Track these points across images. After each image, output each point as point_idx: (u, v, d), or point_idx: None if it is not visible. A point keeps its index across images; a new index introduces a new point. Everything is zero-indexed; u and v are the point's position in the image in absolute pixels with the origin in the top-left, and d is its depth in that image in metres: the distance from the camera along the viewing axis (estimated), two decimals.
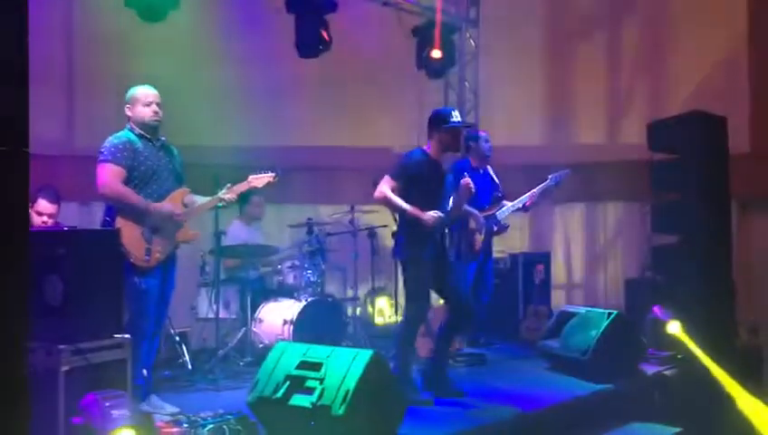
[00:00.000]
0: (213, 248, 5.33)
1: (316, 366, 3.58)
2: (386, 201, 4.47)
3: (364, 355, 3.53)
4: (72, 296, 3.22)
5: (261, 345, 5.52)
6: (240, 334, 5.53)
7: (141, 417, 2.88)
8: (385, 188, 4.43)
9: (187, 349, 5.37)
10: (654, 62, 7.20)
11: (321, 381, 3.50)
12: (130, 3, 5.18)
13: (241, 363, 5.44)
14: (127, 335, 3.38)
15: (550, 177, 5.89)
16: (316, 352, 3.71)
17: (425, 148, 4.58)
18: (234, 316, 5.72)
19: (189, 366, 5.25)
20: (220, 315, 5.34)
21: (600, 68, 7.48)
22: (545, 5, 7.78)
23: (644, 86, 7.16)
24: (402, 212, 4.42)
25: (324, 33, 6.51)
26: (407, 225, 4.45)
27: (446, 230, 4.63)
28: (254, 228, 6.31)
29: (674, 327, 5.48)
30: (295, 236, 6.29)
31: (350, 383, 3.41)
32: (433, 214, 4.34)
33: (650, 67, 7.20)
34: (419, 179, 4.43)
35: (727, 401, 5.13)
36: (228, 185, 4.56)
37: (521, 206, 5.95)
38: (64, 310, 3.22)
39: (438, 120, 4.53)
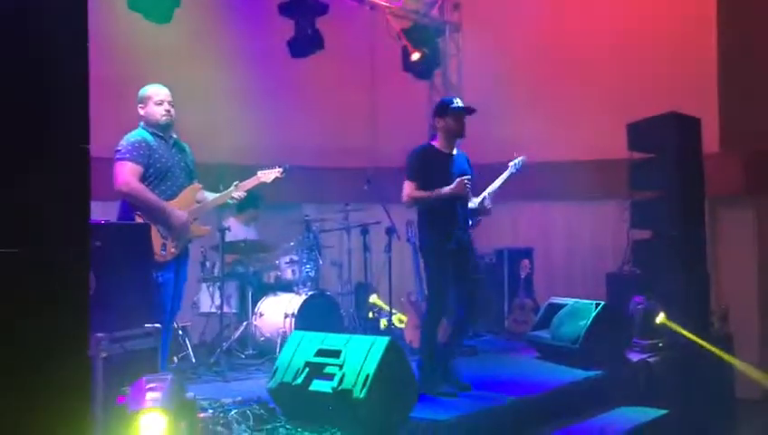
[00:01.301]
0: (217, 244, 5.46)
1: (335, 353, 3.77)
2: (414, 201, 4.59)
3: (382, 342, 3.73)
4: (104, 287, 3.34)
5: (262, 338, 5.67)
6: (242, 328, 5.67)
7: (184, 402, 3.02)
8: (408, 190, 4.55)
9: (189, 343, 5.49)
10: (631, 65, 7.51)
11: (341, 367, 3.69)
12: (134, 6, 5.27)
13: (243, 356, 5.60)
14: (157, 325, 3.52)
15: (511, 164, 5.32)
16: (333, 340, 3.91)
17: (431, 141, 4.72)
18: (234, 311, 5.86)
19: (193, 359, 5.37)
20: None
21: (580, 70, 7.77)
22: (526, 8, 8.07)
23: (623, 87, 7.46)
24: (431, 200, 4.53)
25: (316, 35, 6.70)
26: (427, 219, 4.61)
27: (470, 223, 4.75)
28: (250, 227, 6.46)
29: (661, 316, 5.83)
30: (291, 234, 6.45)
31: (370, 368, 3.60)
32: (456, 182, 4.46)
33: (628, 69, 7.51)
34: (429, 171, 4.56)
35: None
36: (236, 182, 4.71)
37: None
38: (97, 300, 3.34)
39: (442, 108, 4.67)
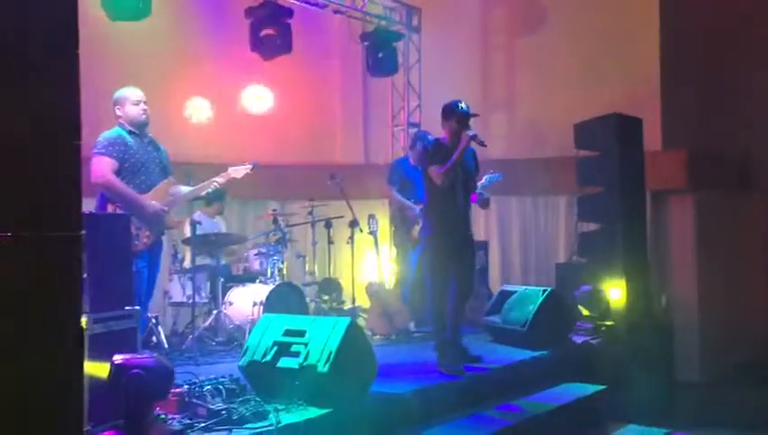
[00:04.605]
0: (188, 237, 5.75)
1: (301, 333, 4.11)
2: (442, 176, 4.93)
3: (343, 322, 4.09)
4: (88, 272, 3.63)
5: (231, 326, 5.96)
6: (212, 317, 5.96)
7: (159, 362, 3.35)
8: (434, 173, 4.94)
9: (162, 331, 5.77)
10: (578, 68, 7.98)
11: (306, 345, 4.03)
12: (112, 8, 5.51)
13: (213, 343, 5.88)
14: (137, 307, 3.82)
15: (485, 177, 5.82)
16: (299, 321, 4.25)
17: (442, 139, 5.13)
18: (204, 301, 6.15)
19: (165, 346, 5.65)
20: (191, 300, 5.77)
21: (532, 73, 8.24)
22: (482, 16, 8.51)
23: (570, 90, 7.92)
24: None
25: (283, 37, 7.01)
26: (435, 207, 5.04)
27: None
28: (216, 220, 6.76)
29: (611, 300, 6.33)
30: (258, 228, 6.77)
31: (333, 345, 3.95)
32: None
33: (575, 72, 7.98)
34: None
35: None
36: (214, 179, 5.01)
37: None
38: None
39: (450, 111, 5.07)
